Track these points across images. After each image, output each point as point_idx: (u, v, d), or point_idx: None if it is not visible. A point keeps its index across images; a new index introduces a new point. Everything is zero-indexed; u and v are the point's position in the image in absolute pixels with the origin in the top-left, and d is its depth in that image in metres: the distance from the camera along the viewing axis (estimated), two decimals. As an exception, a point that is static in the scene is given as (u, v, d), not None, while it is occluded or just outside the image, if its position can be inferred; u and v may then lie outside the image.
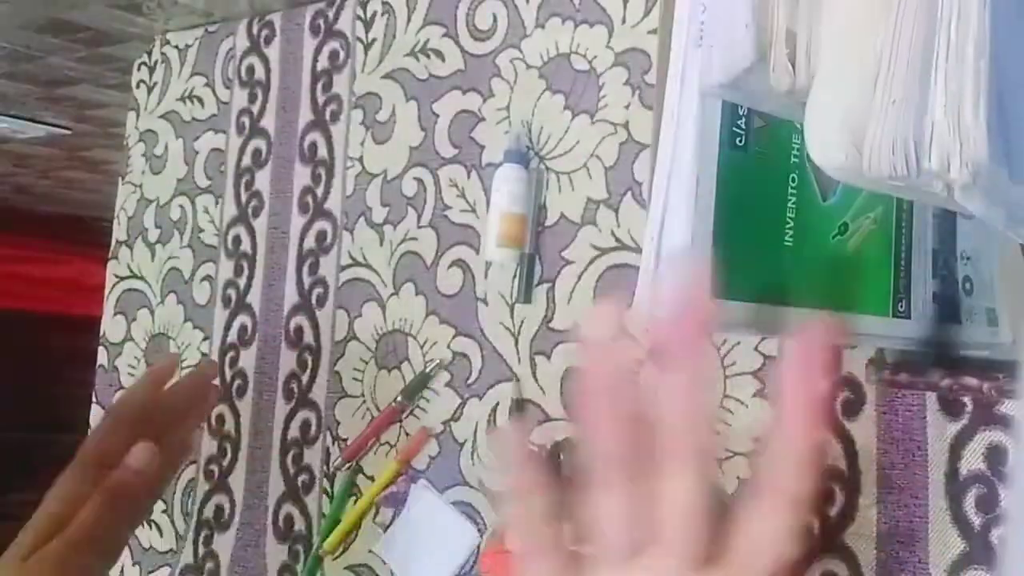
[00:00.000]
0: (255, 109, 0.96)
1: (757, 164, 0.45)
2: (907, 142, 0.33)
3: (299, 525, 0.87)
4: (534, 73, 0.78)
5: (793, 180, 0.47)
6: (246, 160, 0.96)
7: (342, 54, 0.91)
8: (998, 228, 0.35)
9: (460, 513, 0.77)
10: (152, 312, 1.01)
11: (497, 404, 0.77)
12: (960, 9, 0.32)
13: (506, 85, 0.80)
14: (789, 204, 0.46)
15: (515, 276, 0.77)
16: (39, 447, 2.44)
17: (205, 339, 0.96)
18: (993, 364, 0.56)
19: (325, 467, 0.86)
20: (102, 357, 1.04)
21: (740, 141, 0.44)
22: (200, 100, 1.01)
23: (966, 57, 0.32)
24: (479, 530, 0.76)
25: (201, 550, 0.92)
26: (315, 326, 0.89)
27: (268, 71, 0.96)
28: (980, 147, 0.32)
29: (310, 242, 0.90)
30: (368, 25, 0.89)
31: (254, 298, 0.93)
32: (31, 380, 2.51)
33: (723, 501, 0.35)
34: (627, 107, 0.73)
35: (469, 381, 0.78)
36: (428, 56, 0.85)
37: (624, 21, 0.74)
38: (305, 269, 0.90)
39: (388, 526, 0.81)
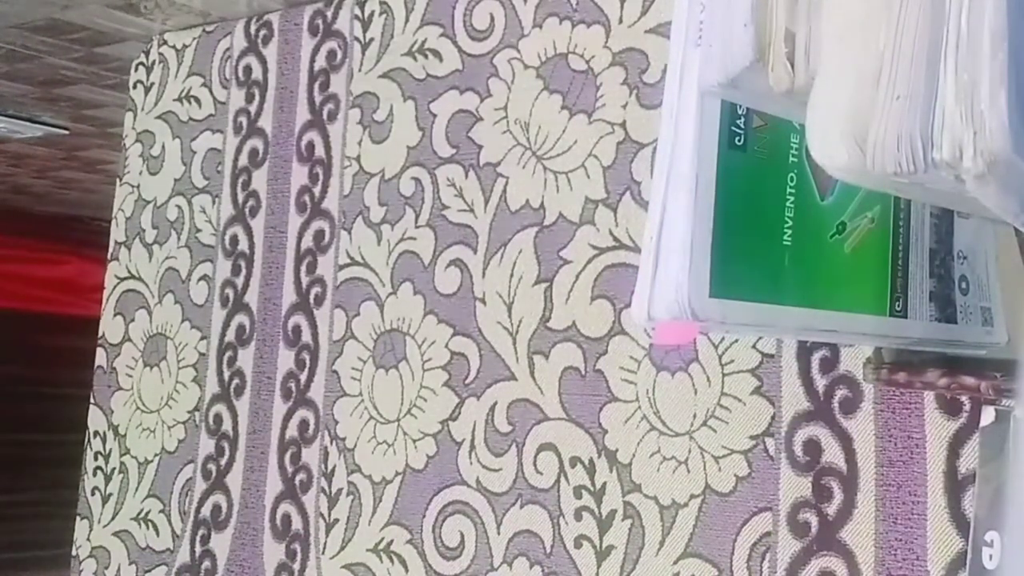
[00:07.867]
0: (252, 109, 0.96)
1: (756, 163, 0.45)
2: (913, 137, 0.33)
3: (296, 525, 0.87)
4: (532, 73, 0.78)
5: (792, 179, 0.47)
6: (243, 160, 0.96)
7: (340, 54, 0.91)
8: (1009, 219, 0.35)
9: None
10: (150, 313, 1.01)
11: (495, 403, 0.77)
12: (971, 1, 0.32)
13: (504, 85, 0.80)
14: (788, 203, 0.47)
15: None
16: (38, 447, 2.44)
17: (203, 339, 0.96)
18: (991, 363, 0.56)
19: (323, 466, 0.86)
20: (101, 358, 1.04)
21: (739, 140, 0.44)
22: (197, 100, 1.01)
23: (981, 48, 0.32)
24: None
25: (198, 549, 0.92)
26: (313, 325, 0.89)
27: (266, 71, 0.96)
28: (996, 136, 0.31)
29: (308, 241, 0.90)
30: (366, 25, 0.89)
31: (252, 298, 0.93)
32: (29, 380, 2.51)
33: None
34: (624, 107, 0.73)
35: (467, 380, 0.78)
36: (426, 56, 0.85)
37: (621, 21, 0.74)
38: (303, 268, 0.90)
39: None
